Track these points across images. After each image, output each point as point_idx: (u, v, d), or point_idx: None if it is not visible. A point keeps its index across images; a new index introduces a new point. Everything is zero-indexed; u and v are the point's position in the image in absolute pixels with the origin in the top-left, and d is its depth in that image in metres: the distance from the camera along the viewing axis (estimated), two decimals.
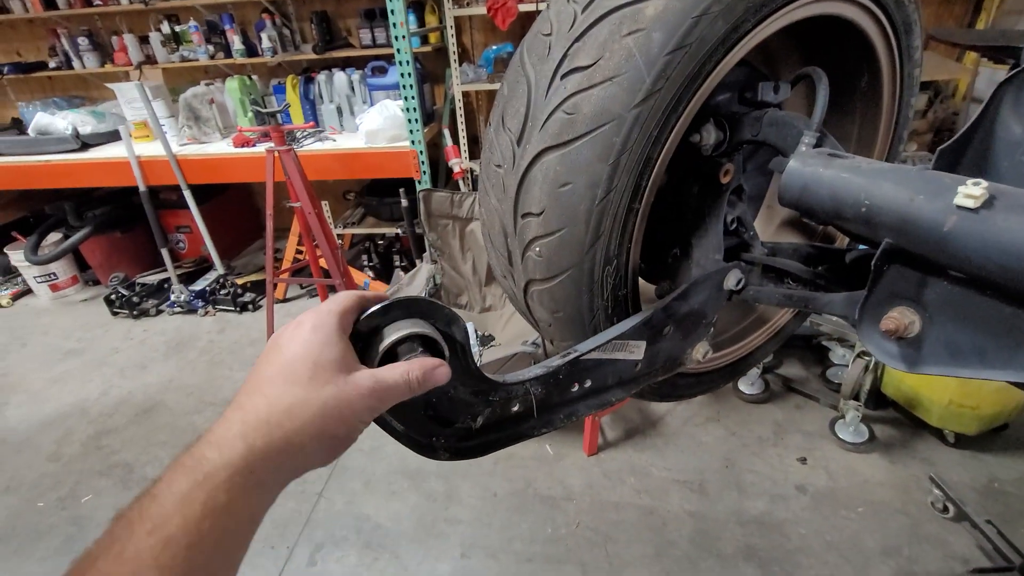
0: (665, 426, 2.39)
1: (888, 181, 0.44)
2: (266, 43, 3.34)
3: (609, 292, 0.64)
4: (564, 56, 0.61)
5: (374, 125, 2.80)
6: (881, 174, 0.45)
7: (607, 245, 0.60)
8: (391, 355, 0.42)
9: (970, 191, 0.39)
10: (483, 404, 0.51)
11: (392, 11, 2.42)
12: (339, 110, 3.17)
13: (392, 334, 0.42)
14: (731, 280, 0.68)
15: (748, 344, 0.91)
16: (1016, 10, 2.93)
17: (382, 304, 0.42)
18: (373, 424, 0.45)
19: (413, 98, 2.71)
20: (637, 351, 0.64)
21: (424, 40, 3.35)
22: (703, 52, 0.54)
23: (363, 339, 0.43)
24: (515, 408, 0.54)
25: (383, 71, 3.08)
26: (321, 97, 3.19)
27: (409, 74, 2.61)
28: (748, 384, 2.44)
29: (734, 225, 0.77)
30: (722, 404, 2.47)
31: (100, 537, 0.31)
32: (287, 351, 0.40)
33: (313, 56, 3.38)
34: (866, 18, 0.67)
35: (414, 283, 2.63)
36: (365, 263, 3.53)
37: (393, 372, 0.41)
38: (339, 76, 3.09)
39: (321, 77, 3.14)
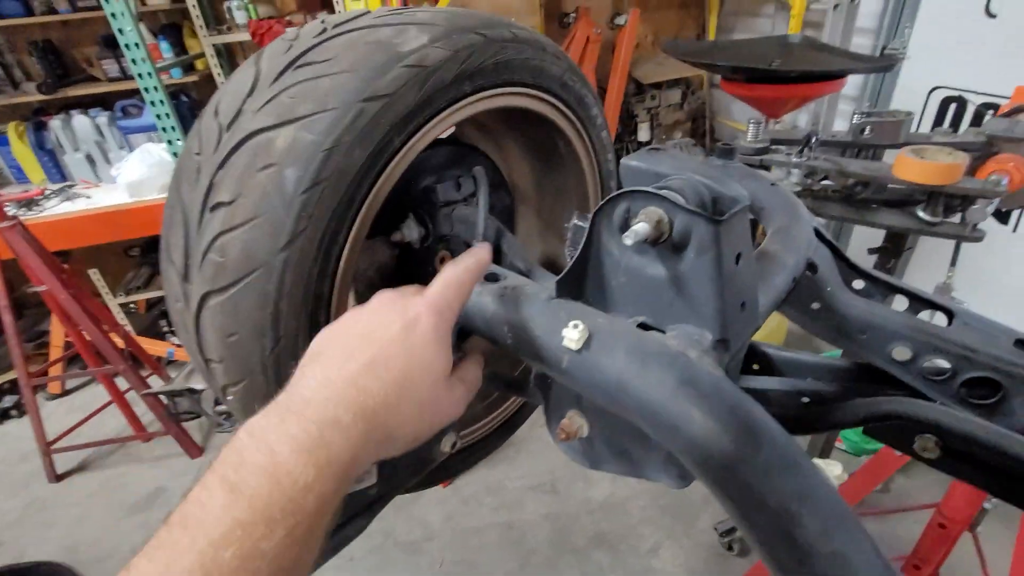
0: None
1: (521, 314, 0.45)
2: None
3: None
4: (210, 185, 0.53)
5: (136, 175, 2.41)
6: (518, 305, 0.46)
7: None
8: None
9: (571, 334, 0.41)
10: None
11: (124, 40, 2.07)
12: (90, 159, 2.67)
13: None
14: None
15: (516, 401, 0.93)
16: (734, 12, 3.49)
17: None
18: None
19: (180, 140, 2.38)
20: (368, 476, 0.61)
21: (189, 68, 2.97)
22: (345, 183, 0.51)
23: None
24: None
25: (139, 109, 2.66)
26: (62, 146, 2.66)
27: (167, 114, 2.28)
28: None
29: None
30: None
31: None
32: (411, 357, 0.40)
33: (43, 96, 2.79)
34: (534, 102, 0.70)
35: None
36: (166, 328, 3.07)
37: (471, 367, 0.48)
38: (79, 120, 2.59)
39: (56, 122, 2.61)
